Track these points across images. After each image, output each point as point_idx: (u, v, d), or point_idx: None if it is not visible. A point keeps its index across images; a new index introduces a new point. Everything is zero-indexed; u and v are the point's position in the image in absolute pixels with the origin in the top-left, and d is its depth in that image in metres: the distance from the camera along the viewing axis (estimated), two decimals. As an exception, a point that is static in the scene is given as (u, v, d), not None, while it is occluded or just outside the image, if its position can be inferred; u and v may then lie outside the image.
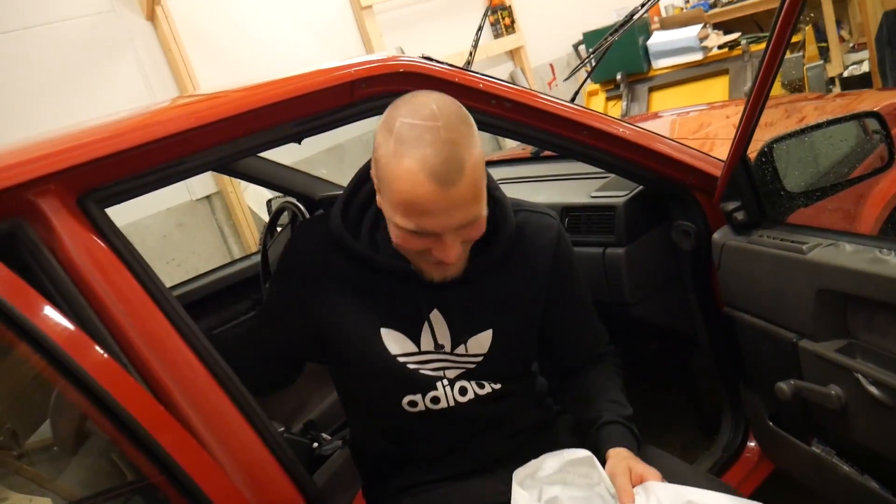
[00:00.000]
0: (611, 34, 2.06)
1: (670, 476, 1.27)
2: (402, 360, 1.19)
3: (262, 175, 2.40)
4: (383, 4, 4.83)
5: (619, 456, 1.15)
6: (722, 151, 1.48)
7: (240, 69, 4.12)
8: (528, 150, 2.23)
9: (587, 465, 1.13)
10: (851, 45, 6.07)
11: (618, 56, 4.83)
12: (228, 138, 1.18)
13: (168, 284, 2.45)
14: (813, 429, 1.38)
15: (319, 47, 4.55)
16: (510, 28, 5.55)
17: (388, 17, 4.90)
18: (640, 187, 1.62)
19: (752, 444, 1.64)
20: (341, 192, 2.34)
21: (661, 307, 1.66)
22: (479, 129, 1.35)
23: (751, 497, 1.58)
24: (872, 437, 1.22)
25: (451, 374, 1.21)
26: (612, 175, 1.76)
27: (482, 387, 1.23)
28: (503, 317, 1.23)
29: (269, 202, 2.68)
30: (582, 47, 5.39)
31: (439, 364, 1.21)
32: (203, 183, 4.07)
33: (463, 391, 1.22)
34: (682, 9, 5.92)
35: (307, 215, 2.11)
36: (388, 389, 1.22)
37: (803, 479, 1.48)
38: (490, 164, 1.48)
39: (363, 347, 1.19)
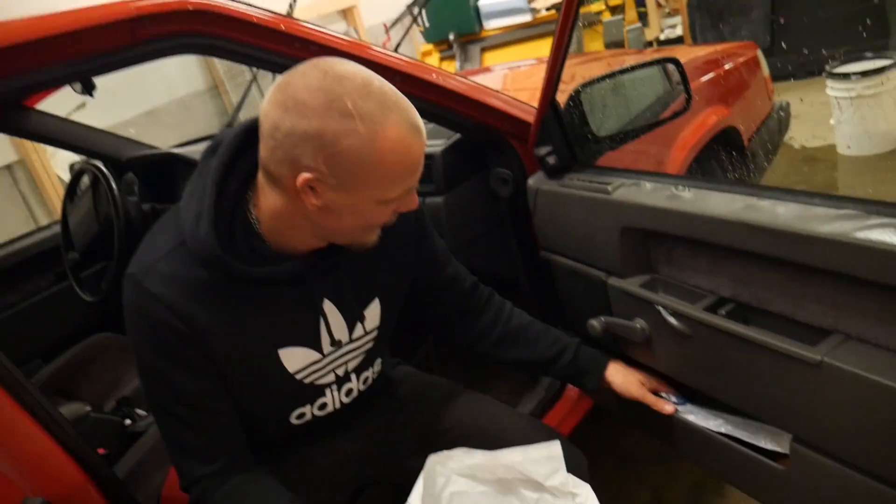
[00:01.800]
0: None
1: (493, 420, 1.30)
2: (299, 375, 1.11)
3: (60, 136, 2.17)
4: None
5: (619, 371, 1.34)
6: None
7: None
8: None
9: (499, 466, 1.11)
10: (667, 10, 6.46)
11: (450, 16, 4.85)
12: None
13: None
14: (623, 363, 1.43)
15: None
16: (342, -14, 5.40)
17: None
18: (458, 135, 1.61)
19: (573, 383, 1.69)
20: (150, 151, 2.20)
21: (483, 254, 1.66)
22: (280, 72, 1.28)
23: (571, 433, 1.65)
24: (672, 366, 1.29)
25: (353, 363, 1.18)
26: (431, 124, 1.74)
27: (366, 382, 1.23)
28: (386, 280, 1.19)
29: (71, 166, 2.44)
30: (416, 8, 5.35)
31: (341, 360, 1.16)
32: (1, 151, 3.66)
33: (349, 393, 1.20)
34: (512, -30, 6.02)
35: (109, 177, 1.93)
36: (279, 406, 1.15)
37: (617, 412, 1.55)
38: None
39: (260, 373, 1.07)
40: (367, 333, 1.17)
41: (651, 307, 1.25)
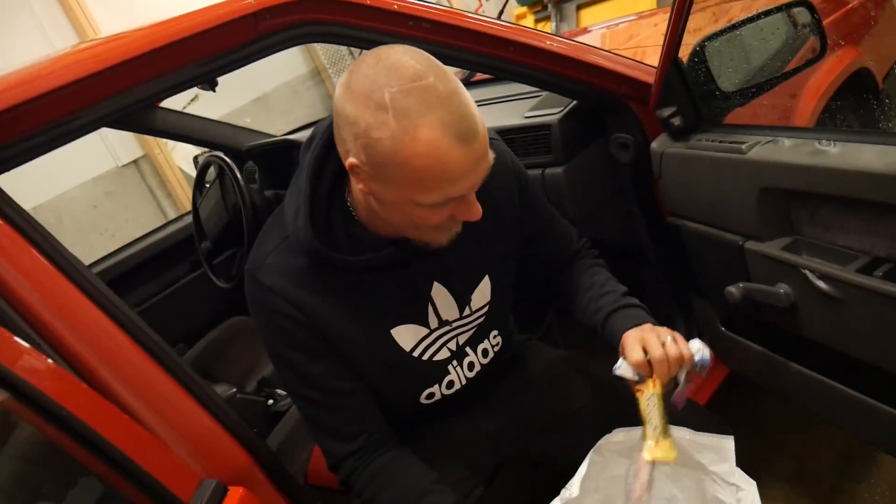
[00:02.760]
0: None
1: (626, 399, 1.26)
2: (416, 353, 1.13)
3: (183, 131, 2.28)
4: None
5: (630, 337, 1.10)
6: (653, 59, 1.42)
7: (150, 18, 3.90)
8: (458, 74, 2.15)
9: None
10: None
11: (544, -25, 4.72)
12: (126, 86, 1.08)
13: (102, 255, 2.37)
14: (764, 329, 1.37)
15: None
16: (432, -45, 5.36)
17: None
18: (574, 102, 1.57)
19: (706, 350, 1.64)
20: (268, 139, 2.27)
21: (606, 224, 1.62)
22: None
23: (709, 401, 1.60)
24: (822, 331, 1.22)
25: (463, 338, 1.18)
26: (546, 93, 1.70)
27: (486, 354, 1.23)
28: (494, 257, 1.19)
29: (195, 158, 2.56)
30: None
31: (451, 335, 1.17)
32: (127, 147, 3.89)
33: (471, 367, 1.22)
34: (604, -80, 5.78)
35: (234, 168, 2.01)
36: (407, 387, 1.18)
37: (757, 378, 1.50)
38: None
39: (378, 355, 1.10)
40: (477, 310, 1.18)
41: (796, 271, 1.18)
